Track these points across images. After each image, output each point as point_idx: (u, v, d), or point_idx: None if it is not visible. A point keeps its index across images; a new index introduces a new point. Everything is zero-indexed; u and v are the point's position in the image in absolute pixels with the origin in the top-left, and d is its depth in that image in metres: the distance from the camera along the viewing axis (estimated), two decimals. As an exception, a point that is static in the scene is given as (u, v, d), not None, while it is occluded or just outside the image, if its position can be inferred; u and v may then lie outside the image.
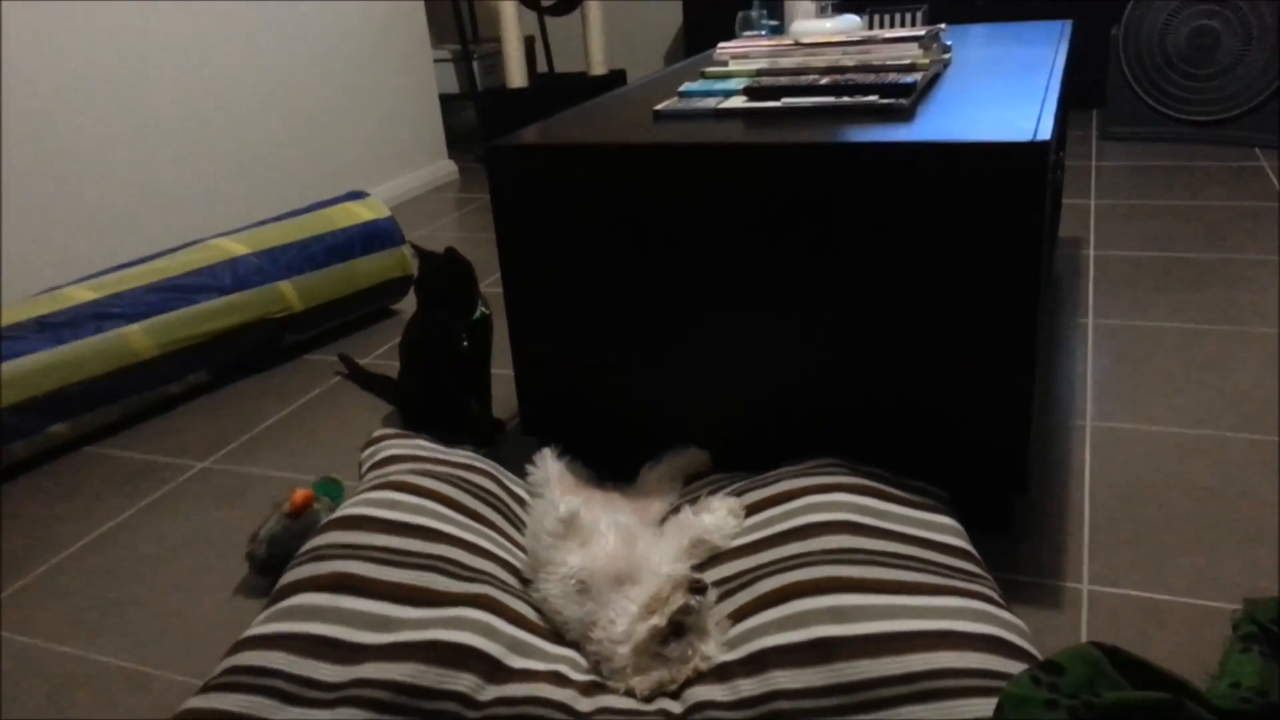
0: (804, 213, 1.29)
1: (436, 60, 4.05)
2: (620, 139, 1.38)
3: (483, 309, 1.75)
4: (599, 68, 3.85)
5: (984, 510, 1.38)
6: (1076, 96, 4.02)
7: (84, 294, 1.95)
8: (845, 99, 1.41)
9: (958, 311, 1.26)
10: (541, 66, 4.60)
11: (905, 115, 1.36)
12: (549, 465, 1.40)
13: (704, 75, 1.71)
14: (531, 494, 1.41)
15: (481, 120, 4.02)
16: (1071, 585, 1.29)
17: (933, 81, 1.59)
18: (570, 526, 1.20)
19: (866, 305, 1.31)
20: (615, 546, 1.19)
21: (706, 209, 1.33)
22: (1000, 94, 1.45)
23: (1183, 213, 2.70)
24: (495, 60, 4.28)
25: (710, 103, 1.51)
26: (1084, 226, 2.66)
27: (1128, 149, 3.40)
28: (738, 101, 1.50)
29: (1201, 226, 2.58)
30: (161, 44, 2.62)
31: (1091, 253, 2.46)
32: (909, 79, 1.44)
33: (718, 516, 1.27)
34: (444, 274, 1.70)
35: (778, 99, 1.47)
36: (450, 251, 1.70)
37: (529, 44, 4.41)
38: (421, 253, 1.72)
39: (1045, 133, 1.19)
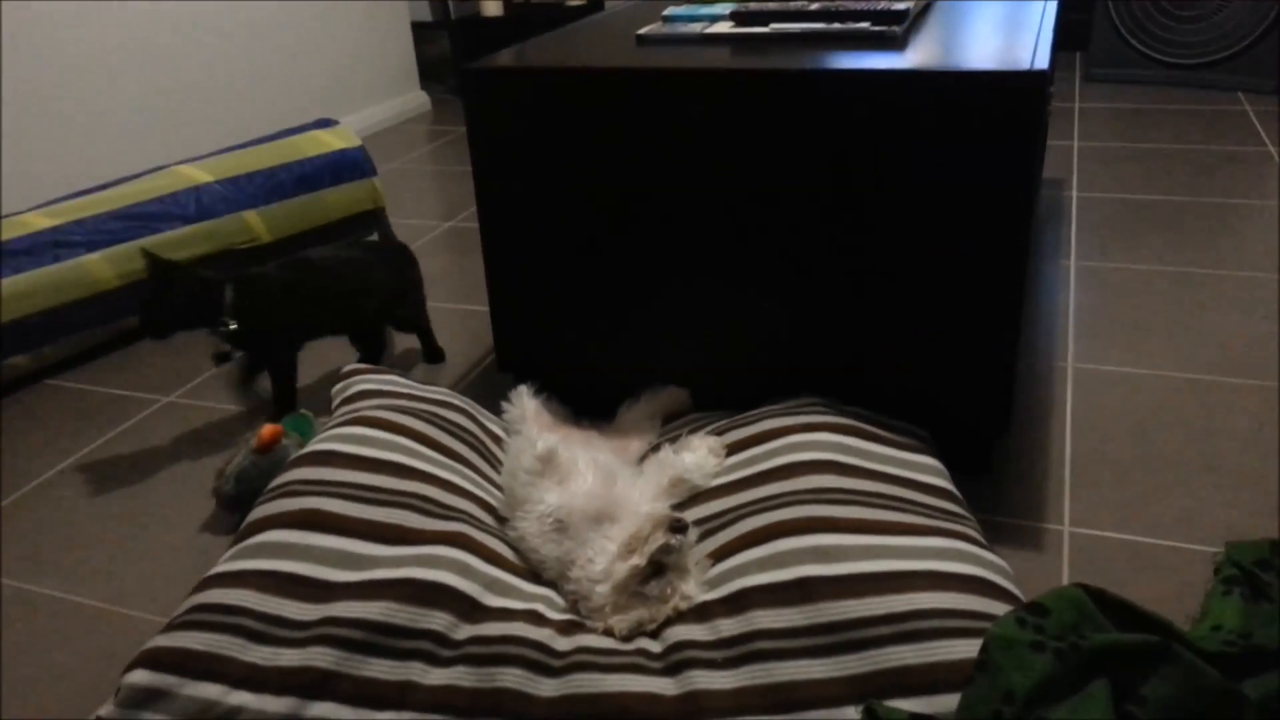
0: (791, 142, 1.25)
1: (408, -13, 3.92)
2: (602, 63, 1.33)
3: (229, 324, 1.52)
4: (577, -3, 3.75)
5: (965, 451, 1.37)
6: (1059, 38, 3.96)
7: (42, 220, 1.88)
8: (836, 25, 1.36)
9: (945, 246, 1.23)
10: (517, -4, 4.47)
11: (898, 43, 1.31)
12: (525, 402, 1.37)
13: (689, 0, 1.65)
14: (508, 432, 1.37)
15: (455, 50, 3.92)
16: (1053, 527, 1.28)
17: (925, 10, 1.54)
18: (548, 464, 1.17)
19: (852, 238, 1.27)
20: (594, 485, 1.16)
21: (690, 137, 1.29)
22: (995, 24, 1.40)
23: (1166, 156, 2.67)
24: (469, -12, 4.15)
25: (696, 28, 1.45)
26: (1066, 168, 2.63)
27: (1110, 91, 3.36)
28: (724, 27, 1.44)
29: (1184, 170, 2.55)
30: (120, -39, 2.50)
31: (1074, 194, 2.44)
32: (901, 5, 1.39)
33: (698, 455, 1.24)
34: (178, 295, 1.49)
35: (766, 24, 1.41)
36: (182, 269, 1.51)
37: (504, -28, 4.28)
38: (155, 263, 1.50)
39: (1042, 62, 1.15)
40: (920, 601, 0.96)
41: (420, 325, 1.82)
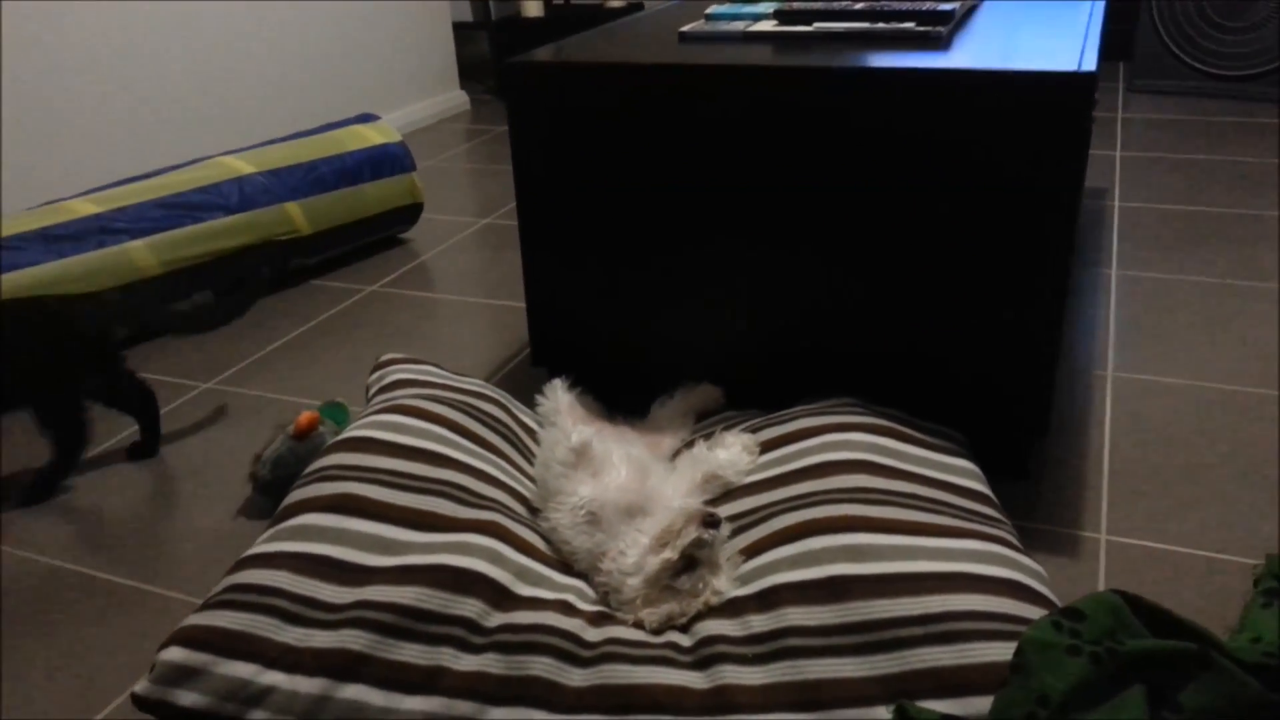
0: (833, 140, 1.24)
1: (450, -14, 3.95)
2: (644, 59, 1.33)
3: None
4: (617, -1, 3.76)
5: (1002, 455, 1.35)
6: (1103, 47, 3.93)
7: (87, 207, 1.91)
8: (880, 25, 1.36)
9: (989, 245, 1.22)
10: (557, -2, 4.49)
11: (942, 43, 1.30)
12: (559, 396, 1.37)
13: None
14: (541, 424, 1.38)
15: (495, 51, 3.94)
16: (1089, 535, 1.27)
17: (970, 12, 1.53)
18: (582, 456, 1.18)
19: (892, 238, 1.27)
20: (627, 478, 1.16)
21: (731, 134, 1.29)
22: (1041, 26, 1.39)
23: (1210, 167, 2.64)
24: (510, -11, 4.17)
25: (739, 26, 1.45)
26: (1109, 178, 2.60)
27: (1154, 102, 3.32)
28: (768, 25, 1.44)
29: (1227, 182, 2.52)
30: (169, -45, 2.54)
31: (1116, 204, 2.41)
32: (947, 6, 1.38)
33: (732, 452, 1.24)
34: None
35: (809, 23, 1.41)
36: None
37: (545, -27, 4.30)
38: None
39: (1090, 64, 1.14)
40: (954, 603, 0.95)
41: (121, 402, 1.55)
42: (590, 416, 1.39)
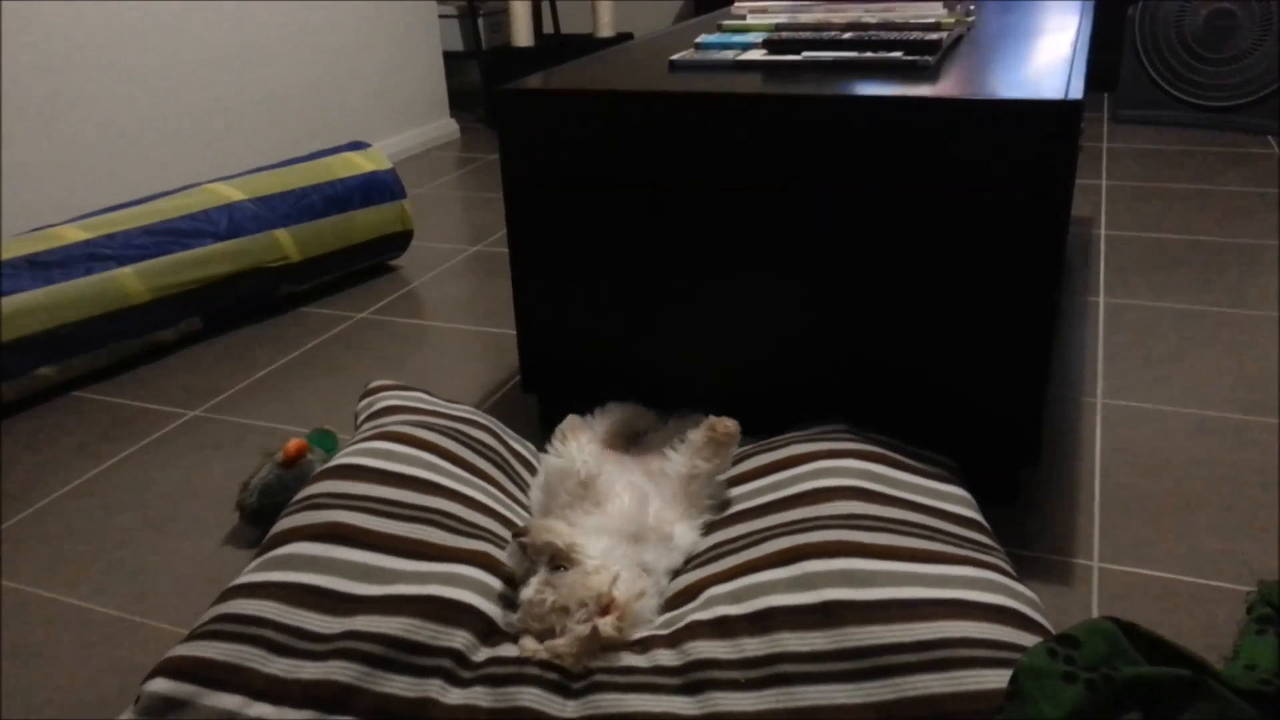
0: (822, 168, 1.25)
1: (441, 16, 3.97)
2: (635, 86, 1.34)
3: None
4: (606, 29, 3.79)
5: (992, 482, 1.35)
6: (1088, 77, 3.97)
7: (76, 234, 1.90)
8: (869, 54, 1.37)
9: (976, 275, 1.23)
10: (548, 27, 4.53)
11: (930, 73, 1.31)
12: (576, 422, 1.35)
13: (721, 28, 1.66)
14: (540, 450, 1.37)
15: (485, 79, 3.96)
16: (1081, 562, 1.27)
17: (956, 42, 1.55)
18: (588, 488, 1.17)
19: (881, 266, 1.27)
20: (629, 508, 1.16)
21: (721, 161, 1.29)
22: (1027, 56, 1.41)
23: (1194, 196, 2.66)
24: (501, 19, 4.20)
25: (728, 55, 1.46)
26: (1095, 207, 2.62)
27: (1139, 132, 3.36)
28: (757, 54, 1.45)
29: (1213, 210, 2.54)
30: (161, -16, 2.55)
31: (1103, 232, 2.43)
32: (934, 36, 1.40)
33: (683, 456, 1.24)
34: None
35: (798, 52, 1.42)
36: None
37: (535, 3, 4.34)
38: None
39: (1076, 92, 1.15)
40: (949, 630, 0.95)
41: None
42: (603, 446, 1.36)
